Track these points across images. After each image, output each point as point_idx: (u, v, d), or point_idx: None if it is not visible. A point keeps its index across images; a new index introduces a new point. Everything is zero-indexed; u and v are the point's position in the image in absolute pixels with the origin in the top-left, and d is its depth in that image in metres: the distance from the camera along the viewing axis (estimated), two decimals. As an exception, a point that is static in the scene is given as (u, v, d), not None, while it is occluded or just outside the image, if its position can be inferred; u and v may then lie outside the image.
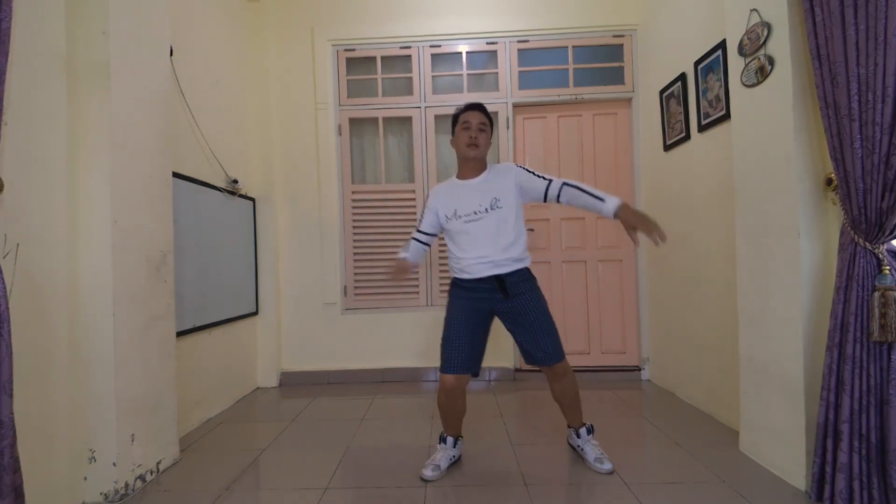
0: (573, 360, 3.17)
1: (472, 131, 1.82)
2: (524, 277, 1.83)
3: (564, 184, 1.79)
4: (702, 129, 2.41)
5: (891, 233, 1.39)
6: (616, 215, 1.68)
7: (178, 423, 2.02)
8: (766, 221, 1.77)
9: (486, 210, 1.78)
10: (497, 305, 1.81)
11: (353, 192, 3.26)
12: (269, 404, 2.79)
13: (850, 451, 1.42)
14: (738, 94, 1.92)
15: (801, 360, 1.62)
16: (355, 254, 3.25)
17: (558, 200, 1.80)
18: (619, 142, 3.24)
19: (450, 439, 1.90)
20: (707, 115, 2.36)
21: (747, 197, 1.88)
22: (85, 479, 1.64)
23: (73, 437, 1.60)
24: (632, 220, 1.63)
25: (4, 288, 1.17)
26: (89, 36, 1.66)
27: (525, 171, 1.84)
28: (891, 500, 1.38)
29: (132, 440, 1.73)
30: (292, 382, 3.16)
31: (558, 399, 1.91)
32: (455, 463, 1.91)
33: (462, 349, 1.77)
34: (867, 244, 1.41)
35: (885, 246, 1.42)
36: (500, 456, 1.96)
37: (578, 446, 1.92)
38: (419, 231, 1.94)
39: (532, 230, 3.25)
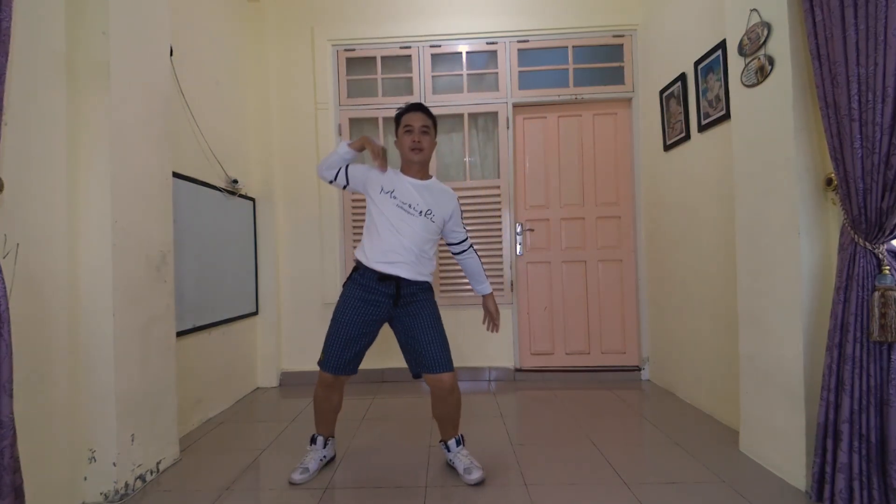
0: (573, 360, 3.21)
1: (414, 134, 1.78)
2: (422, 288, 1.80)
3: (472, 247, 1.96)
4: (702, 129, 2.41)
5: (891, 233, 1.39)
6: (484, 297, 1.97)
7: (178, 423, 2.02)
8: (766, 221, 1.77)
9: (420, 213, 1.76)
10: (393, 312, 1.78)
11: (352, 192, 3.25)
12: (269, 404, 2.79)
13: (850, 451, 1.42)
14: (738, 94, 1.92)
15: (801, 360, 1.62)
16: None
17: (456, 254, 1.95)
18: (619, 142, 3.24)
19: (320, 439, 1.87)
20: (707, 115, 2.36)
21: (747, 197, 1.88)
22: (85, 479, 1.64)
23: (73, 437, 1.60)
24: (490, 307, 1.96)
25: (4, 288, 1.17)
26: (89, 36, 1.66)
27: (460, 211, 1.91)
28: (891, 499, 1.38)
29: (132, 440, 1.73)
30: (292, 382, 3.16)
31: (440, 416, 1.82)
32: (329, 464, 1.90)
33: (347, 354, 1.75)
34: (867, 244, 1.42)
35: (885, 246, 1.42)
36: (500, 456, 1.96)
37: (449, 460, 1.84)
38: (340, 174, 1.85)
39: (532, 230, 3.25)
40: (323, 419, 1.87)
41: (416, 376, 1.83)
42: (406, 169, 1.85)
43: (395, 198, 1.76)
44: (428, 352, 1.74)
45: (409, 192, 1.78)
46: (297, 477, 1.76)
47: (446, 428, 1.84)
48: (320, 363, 1.79)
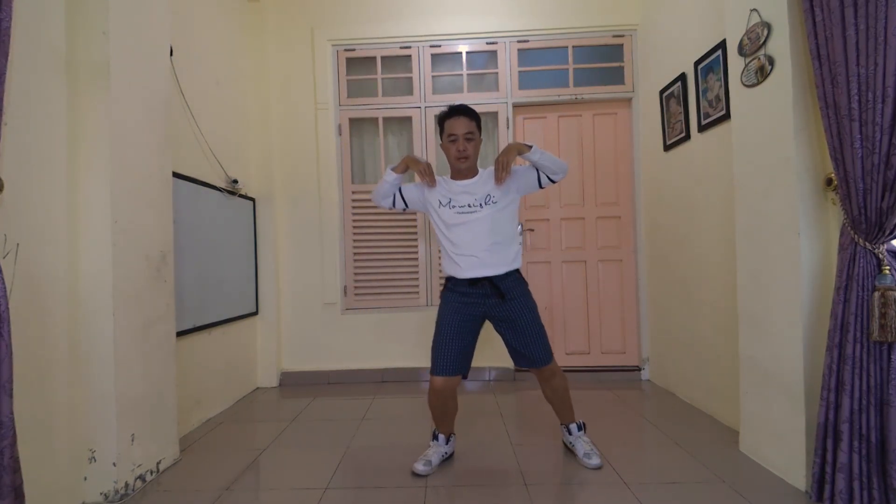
0: (573, 360, 3.21)
1: (459, 143, 1.80)
2: (517, 281, 1.83)
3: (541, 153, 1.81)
4: (702, 129, 2.41)
5: (891, 233, 1.39)
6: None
7: (178, 423, 2.02)
8: (766, 221, 1.77)
9: (480, 205, 1.78)
10: (490, 310, 1.81)
11: (353, 193, 3.26)
12: (269, 404, 2.79)
13: (850, 451, 1.42)
14: (738, 94, 1.92)
15: (801, 360, 1.62)
16: (355, 254, 3.24)
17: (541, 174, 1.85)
18: (619, 142, 3.24)
19: (442, 437, 1.92)
20: (707, 115, 2.36)
21: (747, 197, 1.88)
22: (85, 479, 1.64)
23: (73, 437, 1.60)
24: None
25: (4, 288, 1.17)
26: (89, 36, 1.66)
27: (517, 168, 1.87)
28: (891, 500, 1.37)
29: (132, 440, 1.73)
30: (292, 382, 3.16)
31: (550, 399, 1.93)
32: (448, 459, 1.92)
33: (451, 352, 1.78)
34: (867, 244, 1.41)
35: (885, 246, 1.42)
36: (500, 456, 1.96)
37: (570, 443, 1.94)
38: (399, 196, 1.94)
39: (532, 230, 3.25)
40: (441, 422, 1.90)
41: (518, 366, 1.90)
42: (455, 175, 1.88)
43: (453, 207, 1.81)
44: (526, 350, 1.81)
45: (463, 195, 1.82)
46: (420, 468, 1.81)
47: (562, 411, 1.95)
48: (431, 371, 1.81)
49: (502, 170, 1.75)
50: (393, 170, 1.87)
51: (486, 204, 1.78)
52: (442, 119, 1.86)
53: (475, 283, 1.78)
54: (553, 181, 1.84)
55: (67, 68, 1.62)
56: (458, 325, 1.79)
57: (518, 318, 1.80)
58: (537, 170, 1.83)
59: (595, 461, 1.82)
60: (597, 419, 2.37)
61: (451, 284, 1.85)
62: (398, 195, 1.93)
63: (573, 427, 1.94)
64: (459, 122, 1.80)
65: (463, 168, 1.84)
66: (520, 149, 1.76)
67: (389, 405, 2.69)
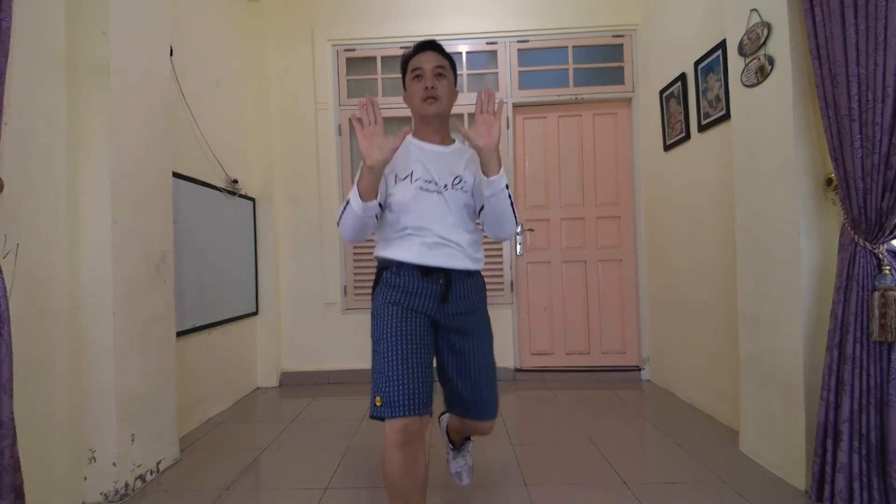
0: (573, 360, 3.21)
1: (426, 79, 1.29)
2: (479, 287, 1.35)
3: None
4: (702, 129, 2.41)
5: (891, 233, 1.39)
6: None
7: (178, 423, 2.02)
8: (766, 221, 1.77)
9: (446, 187, 1.27)
10: (442, 318, 1.27)
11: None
12: (269, 404, 2.79)
13: (850, 451, 1.42)
14: (738, 94, 1.92)
15: (801, 360, 1.62)
16: (355, 254, 3.24)
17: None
18: (619, 142, 3.24)
19: None
20: (707, 115, 2.36)
21: (747, 197, 1.88)
22: (85, 479, 1.64)
23: (73, 437, 1.60)
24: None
25: (4, 288, 1.17)
26: (89, 36, 1.66)
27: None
28: (891, 500, 1.37)
29: (132, 440, 1.73)
30: (292, 382, 3.16)
31: (457, 431, 1.51)
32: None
33: (408, 378, 1.14)
34: (867, 244, 1.41)
35: (885, 246, 1.42)
36: (500, 456, 1.96)
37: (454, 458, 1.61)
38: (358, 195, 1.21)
39: (532, 230, 3.25)
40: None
41: (452, 410, 1.41)
42: (421, 131, 1.36)
43: (417, 179, 1.27)
44: (472, 396, 1.32)
45: (431, 166, 1.29)
46: None
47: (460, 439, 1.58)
48: (379, 409, 1.14)
49: (489, 125, 1.17)
50: (361, 196, 1.15)
51: (452, 186, 1.27)
52: (406, 59, 1.37)
53: (428, 273, 1.24)
54: (483, 223, 1.30)
55: (67, 68, 1.62)
56: (409, 335, 1.19)
57: (479, 338, 1.32)
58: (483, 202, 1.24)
59: (465, 482, 1.58)
60: (597, 419, 2.38)
61: (389, 276, 1.27)
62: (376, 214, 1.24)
63: (468, 443, 1.60)
64: (427, 56, 1.32)
65: (431, 113, 1.30)
66: (497, 160, 1.18)
67: None
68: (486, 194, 1.20)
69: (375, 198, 1.17)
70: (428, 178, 1.28)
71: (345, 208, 1.21)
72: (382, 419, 1.14)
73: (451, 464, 1.62)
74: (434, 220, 1.25)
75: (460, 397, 1.33)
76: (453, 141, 1.41)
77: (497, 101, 1.20)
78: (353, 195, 1.17)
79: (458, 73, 2.68)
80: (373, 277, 1.65)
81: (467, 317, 1.31)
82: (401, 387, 1.13)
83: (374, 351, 1.22)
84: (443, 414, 1.60)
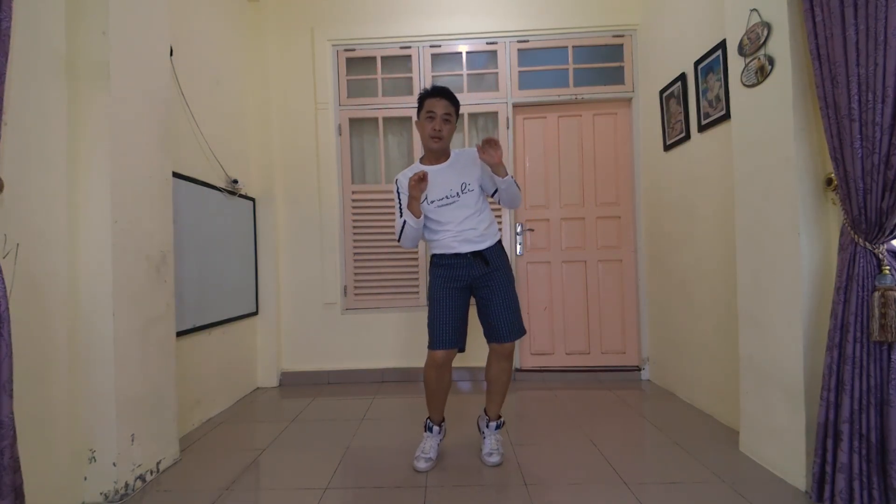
0: (573, 360, 3.21)
1: (436, 122, 1.82)
2: (500, 251, 1.91)
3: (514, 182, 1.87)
4: (702, 129, 2.41)
5: (891, 233, 1.39)
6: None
7: (178, 423, 2.02)
8: (766, 221, 1.77)
9: (458, 194, 1.84)
10: (475, 280, 1.86)
11: (353, 192, 3.26)
12: (269, 404, 2.79)
13: (850, 451, 1.42)
14: (738, 94, 1.92)
15: (801, 360, 1.62)
16: (355, 254, 3.24)
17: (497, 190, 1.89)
18: (619, 142, 3.24)
19: (436, 427, 1.93)
20: (707, 115, 2.36)
21: (747, 197, 1.88)
22: (85, 479, 1.64)
23: (73, 437, 1.60)
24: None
25: (4, 288, 1.17)
26: (89, 36, 1.66)
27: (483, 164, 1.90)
28: (891, 500, 1.37)
29: (132, 440, 1.73)
30: (292, 382, 3.16)
31: (493, 378, 1.92)
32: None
33: (447, 326, 1.82)
34: (867, 244, 1.41)
35: (885, 246, 1.42)
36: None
37: (482, 433, 1.97)
38: (402, 218, 1.90)
39: (532, 230, 3.25)
40: (436, 403, 1.91)
41: (461, 350, 1.90)
42: (428, 157, 1.92)
43: (432, 202, 1.85)
44: (498, 322, 1.85)
45: (438, 184, 1.84)
46: (422, 466, 1.84)
47: (496, 400, 1.94)
48: (430, 345, 1.85)
49: (494, 149, 1.74)
50: (412, 213, 1.83)
51: (463, 192, 1.85)
52: (423, 97, 1.87)
53: (460, 255, 1.84)
54: (499, 201, 1.90)
55: (67, 68, 1.62)
56: (450, 299, 1.84)
57: (500, 288, 1.86)
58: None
59: (495, 459, 1.87)
60: (597, 419, 2.38)
61: (437, 259, 1.90)
62: (420, 223, 1.88)
63: (493, 424, 1.95)
64: (440, 102, 1.83)
65: (435, 148, 1.86)
66: (503, 167, 1.79)
67: (389, 405, 2.69)
68: (500, 188, 1.84)
69: (421, 215, 1.85)
70: (440, 195, 1.85)
71: (403, 227, 1.86)
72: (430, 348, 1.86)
73: (483, 449, 1.93)
74: (454, 221, 1.85)
75: (493, 325, 1.86)
76: (449, 154, 1.93)
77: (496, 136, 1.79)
78: (409, 217, 1.83)
79: (459, 73, 2.95)
80: (373, 277, 3.22)
81: (493, 273, 1.86)
82: (439, 332, 1.83)
83: (429, 307, 1.88)
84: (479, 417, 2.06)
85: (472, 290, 1.90)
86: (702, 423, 2.28)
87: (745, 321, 1.90)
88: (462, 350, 1.88)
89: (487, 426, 1.95)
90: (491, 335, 1.88)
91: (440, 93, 1.84)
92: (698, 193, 2.47)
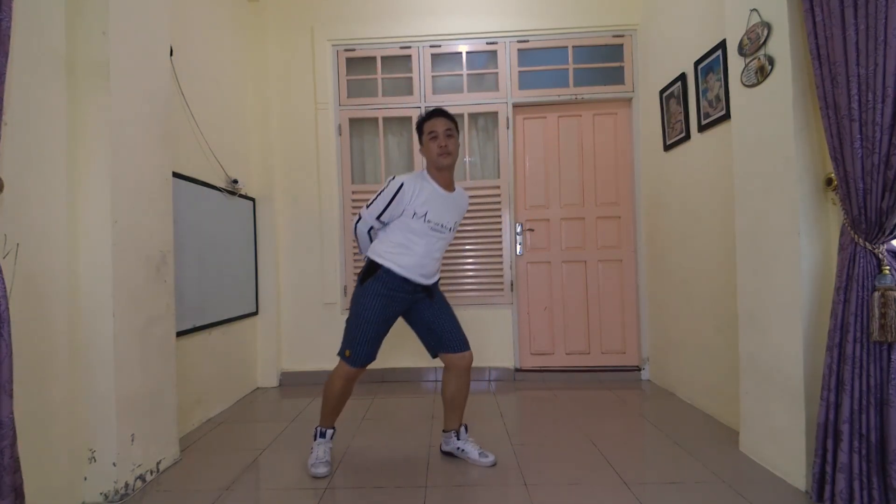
0: (573, 360, 3.21)
1: (440, 140, 1.81)
2: (437, 283, 1.97)
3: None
4: (702, 129, 2.41)
5: (891, 233, 1.39)
6: None
7: (178, 423, 2.02)
8: (766, 221, 1.77)
9: (450, 229, 1.87)
10: (415, 304, 1.88)
11: (353, 193, 3.26)
12: (269, 404, 2.79)
13: (851, 451, 1.42)
14: (738, 94, 1.92)
15: (801, 360, 1.62)
16: (355, 254, 3.24)
17: None
18: (619, 142, 3.24)
19: (329, 431, 1.93)
20: (707, 115, 2.36)
21: (747, 197, 1.88)
22: (85, 479, 1.64)
23: (73, 437, 1.60)
24: None
25: (4, 288, 1.17)
26: (89, 36, 1.66)
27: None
28: (891, 500, 1.37)
29: (132, 440, 1.73)
30: (292, 382, 3.16)
31: (453, 395, 1.91)
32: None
33: (374, 347, 1.82)
34: (867, 244, 1.41)
35: (885, 246, 1.42)
36: (500, 456, 1.95)
37: (458, 448, 1.92)
38: (381, 221, 1.83)
39: (532, 230, 3.25)
40: (335, 411, 1.92)
41: (434, 356, 1.92)
42: (437, 177, 1.86)
43: (429, 222, 1.80)
44: (451, 334, 1.87)
45: (444, 212, 1.83)
46: (322, 471, 1.81)
47: (455, 413, 1.93)
48: (348, 359, 1.81)
49: None
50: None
51: (451, 230, 1.88)
52: (421, 123, 1.88)
53: (409, 282, 1.81)
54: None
55: (67, 68, 1.62)
56: (383, 324, 1.81)
57: (442, 303, 1.92)
58: None
59: (490, 458, 1.87)
60: (597, 419, 2.38)
61: (384, 276, 1.78)
62: (378, 227, 1.87)
63: (462, 431, 1.93)
64: (439, 121, 1.83)
65: (445, 165, 1.83)
66: None
67: (389, 405, 2.69)
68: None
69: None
70: (438, 221, 1.82)
71: (370, 230, 1.89)
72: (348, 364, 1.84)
73: (472, 457, 1.90)
74: (428, 250, 1.82)
75: (446, 336, 1.87)
76: (454, 187, 1.92)
77: None
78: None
79: (459, 73, 2.96)
80: None
81: (433, 294, 1.90)
82: (365, 351, 1.81)
83: (356, 321, 1.81)
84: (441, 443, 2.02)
85: (406, 313, 1.90)
86: (702, 423, 2.28)
87: (745, 321, 1.90)
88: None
89: (459, 437, 1.93)
90: (446, 346, 1.86)
91: (437, 113, 1.86)
92: (698, 193, 2.47)
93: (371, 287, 1.80)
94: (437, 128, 1.82)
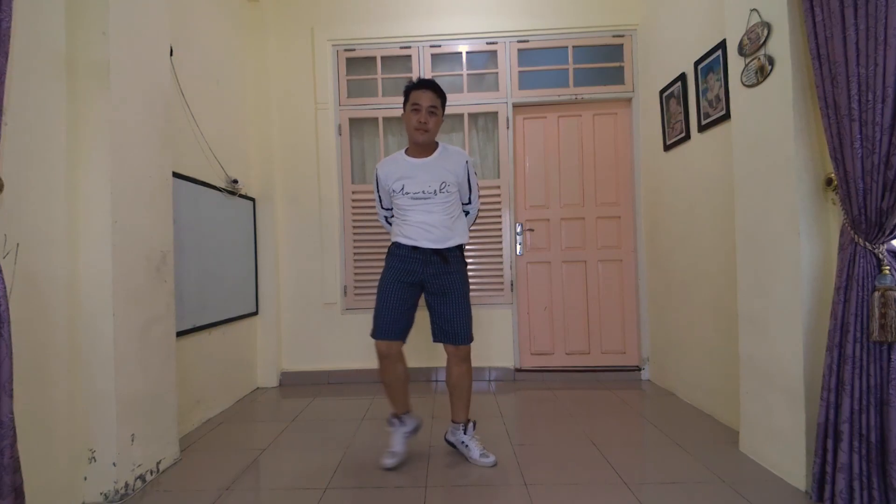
0: (573, 360, 3.21)
1: (421, 114, 1.79)
2: (460, 256, 1.91)
3: (475, 209, 2.03)
4: (702, 129, 2.41)
5: (891, 233, 1.39)
6: None
7: (178, 423, 2.02)
8: (766, 221, 1.77)
9: (435, 192, 1.82)
10: (428, 279, 1.85)
11: (353, 192, 3.26)
12: (269, 404, 2.79)
13: (851, 451, 1.42)
14: (738, 94, 1.92)
15: (801, 360, 1.62)
16: (355, 254, 3.24)
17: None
18: (619, 142, 3.24)
19: (395, 420, 1.93)
20: (707, 115, 2.36)
21: (747, 197, 1.88)
22: (85, 479, 1.64)
23: (73, 437, 1.60)
24: None
25: (4, 288, 1.17)
26: (89, 36, 1.66)
27: (469, 173, 1.93)
28: (891, 499, 1.37)
29: (132, 440, 1.73)
30: (292, 382, 3.16)
31: (454, 385, 1.92)
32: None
33: (390, 317, 1.83)
34: (867, 244, 1.41)
35: (885, 246, 1.42)
36: (500, 456, 1.95)
37: (462, 442, 1.93)
38: (385, 209, 2.02)
39: (532, 230, 3.25)
40: (395, 394, 1.91)
41: (435, 340, 1.92)
42: (412, 150, 1.89)
43: (406, 194, 1.83)
44: (449, 325, 1.86)
45: (418, 178, 1.83)
46: (388, 462, 1.83)
47: (460, 404, 1.92)
48: (372, 334, 1.86)
49: None
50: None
51: (440, 191, 1.83)
52: (409, 89, 1.85)
53: (418, 249, 1.83)
54: (466, 212, 2.01)
55: (67, 68, 1.62)
56: (398, 291, 1.84)
57: (451, 290, 1.85)
58: (468, 203, 1.99)
59: (490, 459, 1.86)
60: (597, 419, 2.38)
61: (394, 249, 1.89)
62: (386, 209, 2.03)
63: (469, 427, 1.93)
64: (425, 94, 1.80)
65: (420, 141, 1.83)
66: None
67: (389, 405, 2.68)
68: (468, 210, 2.02)
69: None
70: (417, 189, 1.82)
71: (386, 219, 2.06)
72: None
73: (473, 455, 1.89)
74: (423, 217, 1.83)
75: (445, 326, 1.86)
76: (437, 146, 1.90)
77: None
78: (381, 216, 2.07)
79: (459, 73, 2.95)
80: (373, 278, 2.92)
81: (449, 275, 1.85)
82: (381, 322, 1.84)
83: (377, 296, 1.87)
84: (447, 433, 2.04)
85: (423, 288, 1.89)
86: (702, 423, 2.28)
87: (745, 321, 1.90)
88: (404, 341, 1.89)
89: (465, 432, 1.92)
90: (443, 336, 1.88)
91: (425, 85, 1.82)
92: (698, 193, 2.47)
93: (387, 262, 1.91)
94: (422, 101, 1.79)
